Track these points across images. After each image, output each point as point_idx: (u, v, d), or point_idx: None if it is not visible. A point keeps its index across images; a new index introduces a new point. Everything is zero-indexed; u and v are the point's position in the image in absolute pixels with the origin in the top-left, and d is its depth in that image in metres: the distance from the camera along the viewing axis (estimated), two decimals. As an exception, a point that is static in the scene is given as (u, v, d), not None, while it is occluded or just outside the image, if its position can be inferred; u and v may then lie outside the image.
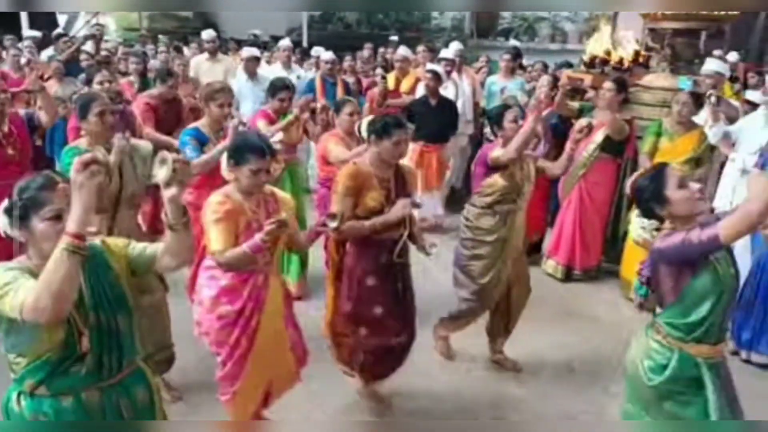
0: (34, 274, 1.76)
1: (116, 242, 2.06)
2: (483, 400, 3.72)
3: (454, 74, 7.00)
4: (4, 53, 7.85)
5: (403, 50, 7.39)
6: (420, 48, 7.81)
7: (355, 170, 3.17)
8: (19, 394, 1.91)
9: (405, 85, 6.86)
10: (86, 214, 1.68)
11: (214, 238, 2.75)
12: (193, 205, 3.74)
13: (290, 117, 4.62)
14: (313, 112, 5.10)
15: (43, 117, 4.21)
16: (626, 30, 7.15)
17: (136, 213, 3.58)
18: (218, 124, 4.11)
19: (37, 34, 9.54)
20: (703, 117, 5.07)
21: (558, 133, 5.41)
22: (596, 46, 6.04)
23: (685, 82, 5.29)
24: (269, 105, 4.84)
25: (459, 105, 6.71)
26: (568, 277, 5.43)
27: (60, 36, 8.88)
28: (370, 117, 3.66)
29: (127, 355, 2.00)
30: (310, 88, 7.14)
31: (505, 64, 7.16)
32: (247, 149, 2.78)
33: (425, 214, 6.42)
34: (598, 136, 5.13)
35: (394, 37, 11.72)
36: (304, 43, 12.71)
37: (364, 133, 3.31)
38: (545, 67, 7.67)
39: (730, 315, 2.44)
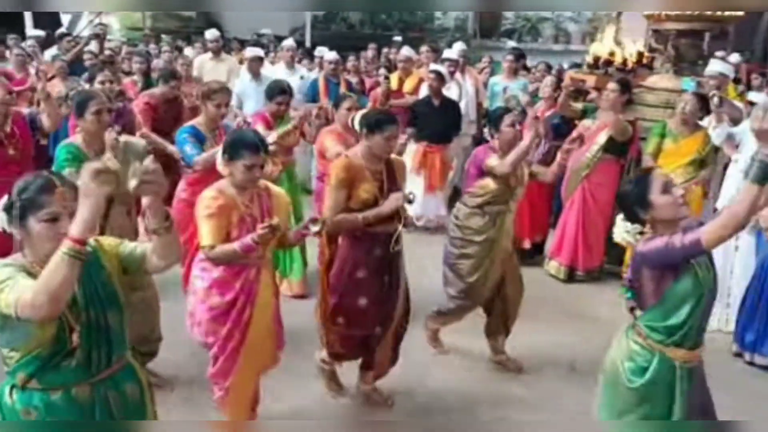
0: (29, 271, 1.81)
1: (109, 241, 2.09)
2: (484, 400, 3.72)
3: (458, 75, 7.00)
4: (7, 52, 7.87)
5: (406, 50, 7.40)
6: (423, 48, 7.82)
7: (348, 163, 3.22)
8: (11, 388, 1.95)
9: (408, 86, 6.86)
10: (91, 222, 1.70)
11: (206, 233, 2.82)
12: (188, 201, 3.79)
13: (288, 126, 4.64)
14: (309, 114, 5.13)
15: (45, 122, 4.22)
16: (628, 31, 7.16)
17: (129, 211, 3.59)
18: (214, 123, 4.15)
19: (41, 33, 9.57)
20: (708, 119, 5.06)
21: (559, 133, 5.41)
22: (600, 47, 6.03)
23: (688, 84, 5.29)
24: (267, 108, 4.88)
25: (462, 105, 6.71)
26: (570, 277, 5.43)
27: (63, 35, 8.91)
28: (363, 111, 3.68)
29: (117, 350, 2.03)
30: (314, 88, 7.16)
31: (508, 65, 7.16)
32: (242, 145, 2.84)
33: (428, 214, 6.43)
34: (601, 137, 5.13)
35: (398, 38, 11.74)
36: (307, 43, 12.72)
37: (357, 127, 3.35)
38: (549, 67, 7.66)
39: (708, 318, 2.50)
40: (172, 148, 4.78)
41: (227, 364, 2.96)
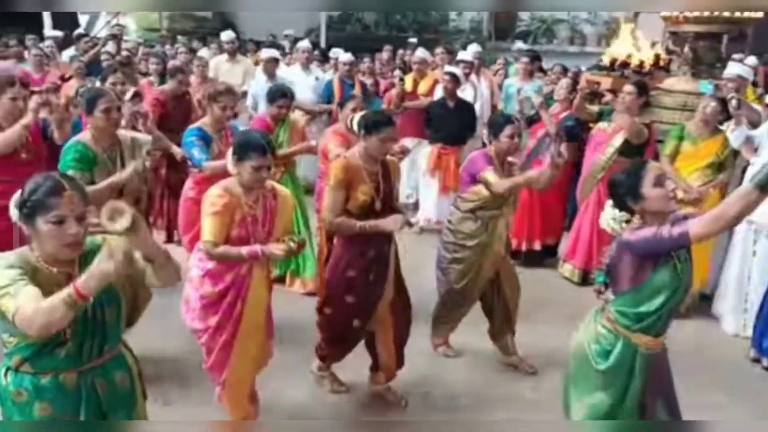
0: (35, 266, 1.94)
1: (117, 242, 2.09)
2: (496, 401, 3.71)
3: (473, 76, 7.00)
4: (26, 53, 7.95)
5: (421, 52, 7.38)
6: (438, 50, 7.79)
7: (346, 163, 3.29)
8: (7, 370, 2.04)
9: (423, 87, 6.85)
10: (98, 286, 1.78)
11: (208, 229, 2.91)
12: (195, 200, 3.86)
13: (296, 148, 4.76)
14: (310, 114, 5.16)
15: (56, 134, 4.24)
16: (646, 33, 7.10)
17: (138, 208, 3.61)
18: (220, 124, 4.18)
19: (59, 34, 9.65)
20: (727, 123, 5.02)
21: (572, 135, 5.38)
22: (617, 48, 6.00)
23: (706, 86, 5.25)
24: (267, 111, 4.91)
25: (477, 107, 6.70)
26: (584, 280, 5.40)
27: (81, 36, 8.98)
28: (363, 112, 3.71)
29: (110, 342, 2.10)
30: (329, 89, 7.17)
31: (523, 67, 7.14)
32: (250, 147, 2.92)
33: (441, 217, 6.41)
34: (617, 140, 5.10)
35: (413, 39, 11.73)
36: (322, 45, 12.75)
37: (355, 128, 3.38)
38: (564, 70, 7.62)
39: (677, 311, 2.54)
40: (175, 149, 4.81)
41: (221, 356, 3.05)
